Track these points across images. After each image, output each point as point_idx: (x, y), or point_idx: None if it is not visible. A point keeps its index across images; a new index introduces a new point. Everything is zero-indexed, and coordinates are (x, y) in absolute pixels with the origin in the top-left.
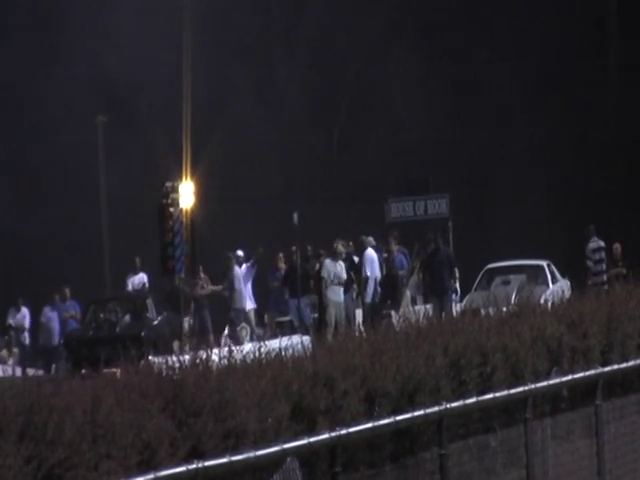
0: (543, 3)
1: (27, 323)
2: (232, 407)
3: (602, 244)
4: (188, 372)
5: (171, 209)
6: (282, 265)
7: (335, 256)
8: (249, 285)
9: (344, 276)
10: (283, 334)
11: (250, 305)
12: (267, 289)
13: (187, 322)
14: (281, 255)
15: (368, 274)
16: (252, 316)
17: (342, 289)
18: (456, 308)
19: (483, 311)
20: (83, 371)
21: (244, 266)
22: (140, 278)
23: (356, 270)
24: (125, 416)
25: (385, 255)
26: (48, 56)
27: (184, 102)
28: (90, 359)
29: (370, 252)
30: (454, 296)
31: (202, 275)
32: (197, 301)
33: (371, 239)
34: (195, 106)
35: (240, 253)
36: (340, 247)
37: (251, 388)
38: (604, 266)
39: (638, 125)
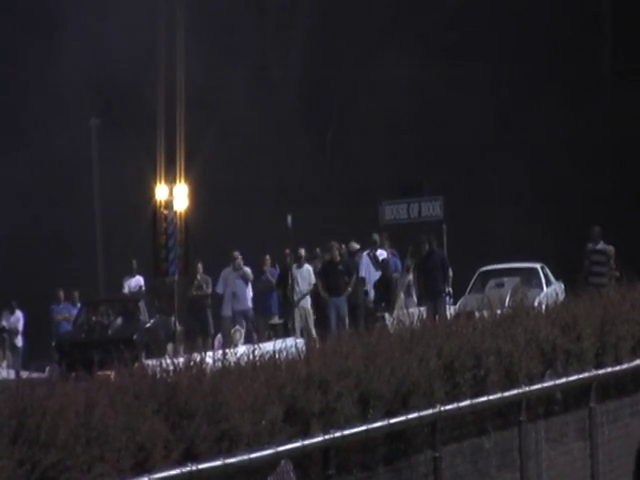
0: (536, 3)
1: (20, 326)
2: (226, 410)
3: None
4: (182, 375)
5: (165, 211)
6: (267, 268)
7: (299, 261)
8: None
9: (312, 280)
10: (276, 337)
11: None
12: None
13: (178, 323)
14: (267, 257)
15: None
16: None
17: (307, 294)
18: (450, 311)
19: (477, 314)
20: (74, 374)
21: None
22: (137, 281)
23: (350, 273)
24: (119, 418)
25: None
26: (40, 58)
27: (177, 104)
28: (82, 362)
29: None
30: (448, 299)
31: (199, 276)
32: (195, 302)
33: (353, 243)
34: (188, 108)
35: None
36: (302, 252)
37: (245, 391)
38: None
39: (631, 127)
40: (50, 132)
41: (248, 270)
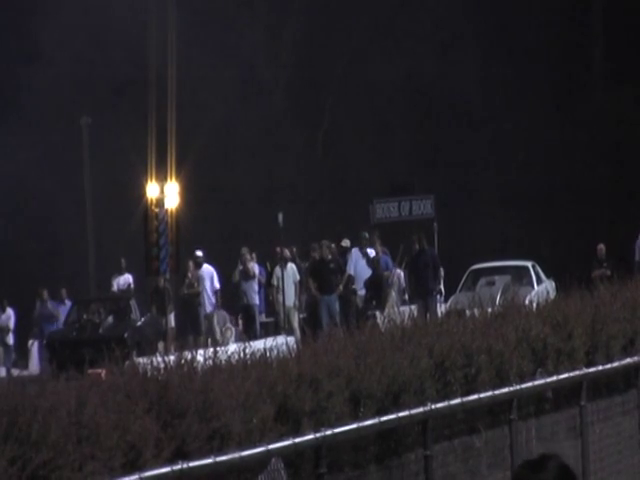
0: (529, 3)
1: (12, 324)
2: (217, 408)
3: None
4: (173, 373)
5: (156, 210)
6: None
7: (282, 260)
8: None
9: (297, 278)
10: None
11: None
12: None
13: (171, 321)
14: (253, 255)
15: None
16: (214, 319)
17: (292, 293)
18: (441, 309)
19: (468, 312)
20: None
21: (208, 267)
22: (125, 279)
23: (342, 271)
24: (110, 417)
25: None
26: (30, 57)
27: (168, 102)
28: (73, 360)
29: (356, 251)
30: (439, 297)
31: (190, 275)
32: (186, 301)
33: (346, 240)
34: (179, 106)
35: (199, 254)
36: (287, 251)
37: (236, 389)
38: None
39: (622, 126)
40: (41, 130)
41: (253, 267)
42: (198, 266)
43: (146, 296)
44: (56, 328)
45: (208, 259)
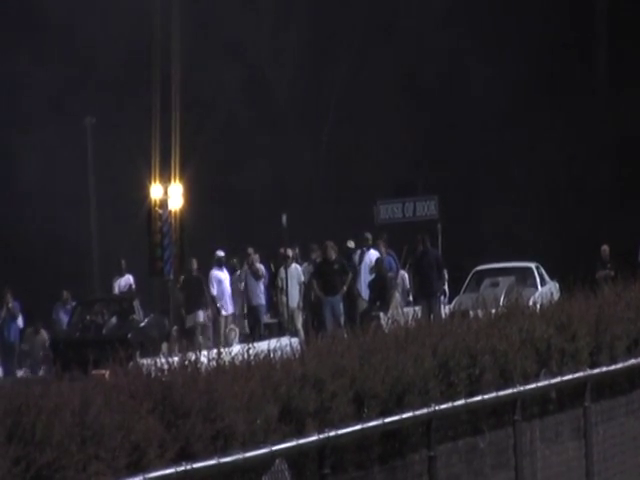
0: (531, 4)
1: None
2: (221, 408)
3: None
4: (177, 374)
5: (160, 210)
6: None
7: (286, 261)
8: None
9: (301, 279)
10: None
11: (231, 309)
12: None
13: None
14: (257, 256)
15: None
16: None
17: (296, 294)
18: (445, 310)
19: (472, 313)
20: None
21: (225, 270)
22: (126, 280)
23: (346, 272)
24: (114, 417)
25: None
26: (33, 57)
27: (172, 103)
28: (77, 361)
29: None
30: (442, 298)
31: (194, 274)
32: None
33: (352, 242)
34: (183, 107)
35: (221, 254)
36: (290, 252)
37: (240, 390)
38: None
39: (626, 126)
40: (45, 131)
41: (261, 267)
42: (219, 267)
43: (149, 297)
44: (15, 328)
45: (211, 260)
